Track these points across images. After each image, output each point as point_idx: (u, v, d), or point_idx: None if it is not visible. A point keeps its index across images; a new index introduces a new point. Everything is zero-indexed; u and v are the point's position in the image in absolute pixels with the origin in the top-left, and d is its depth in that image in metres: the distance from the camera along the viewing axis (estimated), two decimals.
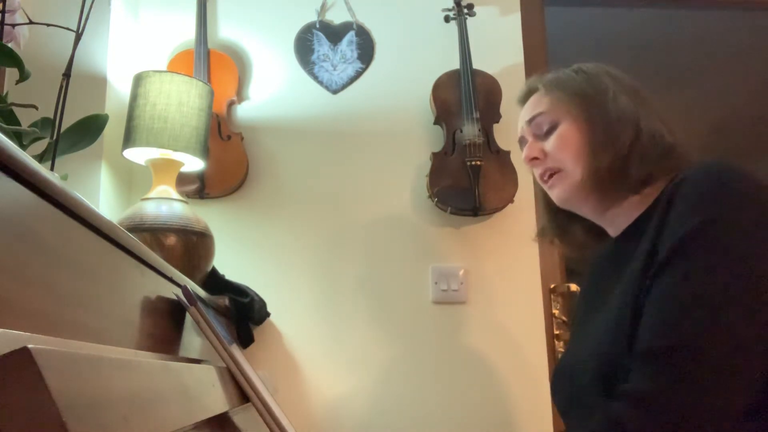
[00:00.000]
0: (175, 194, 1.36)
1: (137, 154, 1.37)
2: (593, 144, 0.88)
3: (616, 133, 0.86)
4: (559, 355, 1.66)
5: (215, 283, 1.51)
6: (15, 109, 0.89)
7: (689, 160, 0.86)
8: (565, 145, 0.91)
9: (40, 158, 0.90)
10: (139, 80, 1.36)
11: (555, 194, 0.94)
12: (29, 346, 0.32)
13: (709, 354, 0.65)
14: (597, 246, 1.01)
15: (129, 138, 1.34)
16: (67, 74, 0.91)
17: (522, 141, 1.00)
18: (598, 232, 0.98)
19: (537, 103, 0.96)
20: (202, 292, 1.19)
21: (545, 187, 0.96)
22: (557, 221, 1.02)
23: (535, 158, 0.95)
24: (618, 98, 0.89)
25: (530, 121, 0.96)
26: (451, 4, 1.88)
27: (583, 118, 0.90)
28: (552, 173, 0.93)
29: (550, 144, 0.93)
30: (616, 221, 0.92)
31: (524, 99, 1.01)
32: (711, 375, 0.65)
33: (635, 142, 0.85)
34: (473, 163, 1.68)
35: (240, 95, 1.82)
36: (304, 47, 1.88)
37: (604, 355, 0.77)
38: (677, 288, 0.70)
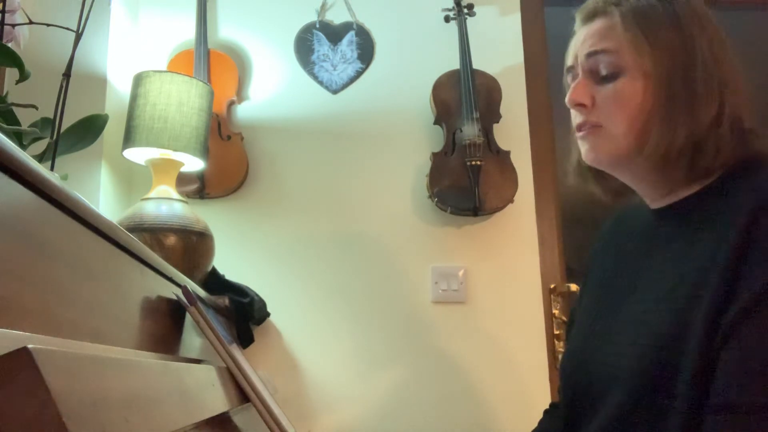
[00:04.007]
0: (175, 194, 1.36)
1: (137, 154, 1.37)
2: (667, 115, 0.71)
3: (696, 108, 0.70)
4: (560, 354, 1.65)
5: (215, 283, 1.51)
6: (15, 109, 0.89)
7: (762, 147, 0.72)
8: (623, 105, 0.74)
9: (40, 158, 0.90)
10: (139, 80, 1.36)
11: (585, 151, 0.80)
12: (29, 346, 0.32)
13: None
14: (631, 198, 0.85)
15: (129, 138, 1.34)
16: (67, 74, 0.91)
17: (571, 72, 0.81)
18: None
19: (606, 35, 0.76)
20: (202, 292, 1.19)
21: (577, 136, 0.81)
22: None
23: (582, 104, 0.78)
24: (708, 64, 0.71)
25: (590, 55, 0.77)
26: (451, 4, 1.88)
27: (657, 79, 0.72)
28: (592, 126, 0.78)
29: (604, 94, 0.76)
30: (654, 193, 0.79)
31: (589, 17, 0.79)
32: None
33: (715, 124, 0.70)
34: (473, 163, 1.68)
35: (240, 95, 1.82)
36: (304, 47, 1.88)
37: (642, 372, 0.69)
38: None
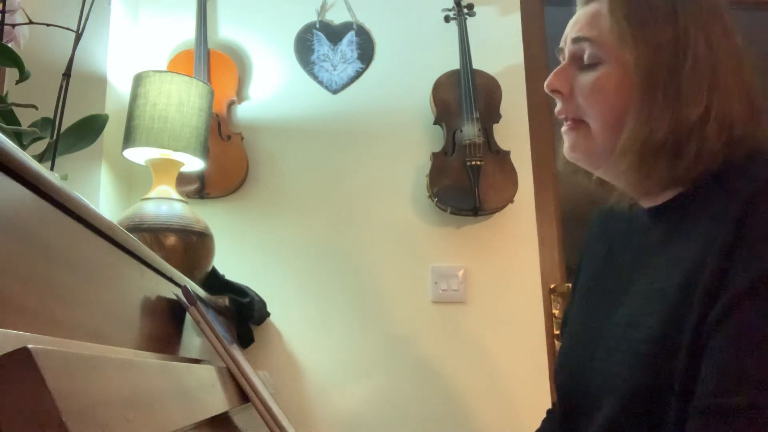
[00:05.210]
0: (175, 194, 1.36)
1: (137, 154, 1.37)
2: (643, 112, 0.68)
3: (677, 108, 0.67)
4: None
5: (215, 283, 1.51)
6: (15, 109, 0.89)
7: (757, 147, 0.68)
8: (597, 96, 0.72)
9: (40, 158, 0.90)
10: (139, 80, 1.36)
11: (566, 148, 0.78)
12: (29, 346, 0.32)
13: None
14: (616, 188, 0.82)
15: (129, 138, 1.34)
16: (67, 74, 0.91)
17: (559, 53, 0.80)
18: None
19: (592, 22, 0.73)
20: (202, 292, 1.19)
21: (562, 129, 0.79)
22: None
23: (558, 91, 0.76)
24: (700, 64, 0.67)
25: (575, 40, 0.75)
26: (451, 4, 1.88)
27: (638, 74, 0.69)
28: (572, 120, 0.76)
29: (582, 83, 0.74)
30: (639, 190, 0.76)
31: (586, 0, 0.77)
32: None
33: (699, 127, 0.66)
34: (473, 163, 1.68)
35: (240, 95, 1.82)
36: (304, 47, 1.88)
37: (637, 380, 0.67)
38: (745, 340, 0.58)
